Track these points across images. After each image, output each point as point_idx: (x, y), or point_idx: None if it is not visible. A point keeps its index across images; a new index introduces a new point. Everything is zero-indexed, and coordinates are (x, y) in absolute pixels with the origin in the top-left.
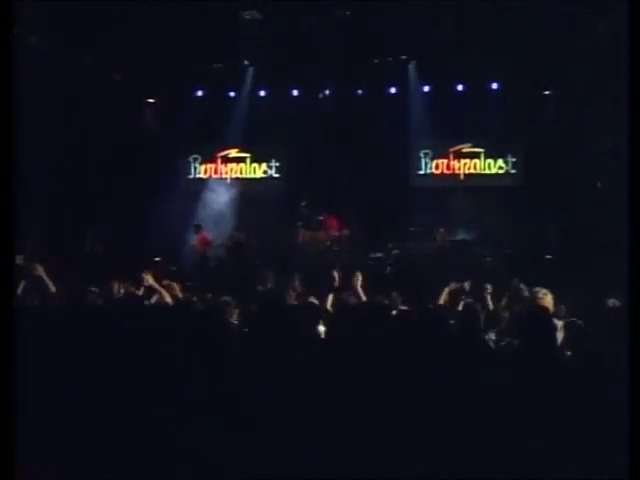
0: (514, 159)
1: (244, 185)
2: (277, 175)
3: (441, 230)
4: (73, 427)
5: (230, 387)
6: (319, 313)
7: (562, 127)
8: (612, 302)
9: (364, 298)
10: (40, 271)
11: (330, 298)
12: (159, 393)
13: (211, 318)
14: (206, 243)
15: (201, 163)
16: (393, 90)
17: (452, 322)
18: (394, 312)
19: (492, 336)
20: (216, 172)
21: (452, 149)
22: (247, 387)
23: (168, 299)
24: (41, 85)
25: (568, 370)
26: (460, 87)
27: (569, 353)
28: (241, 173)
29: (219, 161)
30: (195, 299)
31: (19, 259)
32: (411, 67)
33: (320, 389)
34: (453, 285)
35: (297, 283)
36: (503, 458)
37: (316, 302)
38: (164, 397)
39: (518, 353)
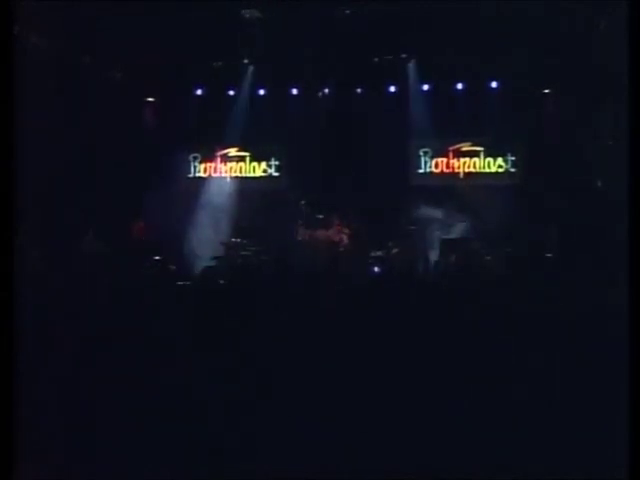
0: (514, 158)
1: (243, 184)
2: (277, 174)
3: (437, 230)
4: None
5: None
6: None
7: (562, 126)
8: (612, 302)
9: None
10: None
11: None
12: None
13: None
14: None
15: (201, 162)
16: (393, 89)
17: None
18: None
19: None
20: (216, 171)
21: (451, 148)
22: None
23: None
24: (41, 85)
25: None
26: (460, 86)
27: None
28: (241, 172)
29: (219, 160)
30: None
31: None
32: (411, 66)
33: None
34: None
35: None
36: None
37: None
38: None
39: None
